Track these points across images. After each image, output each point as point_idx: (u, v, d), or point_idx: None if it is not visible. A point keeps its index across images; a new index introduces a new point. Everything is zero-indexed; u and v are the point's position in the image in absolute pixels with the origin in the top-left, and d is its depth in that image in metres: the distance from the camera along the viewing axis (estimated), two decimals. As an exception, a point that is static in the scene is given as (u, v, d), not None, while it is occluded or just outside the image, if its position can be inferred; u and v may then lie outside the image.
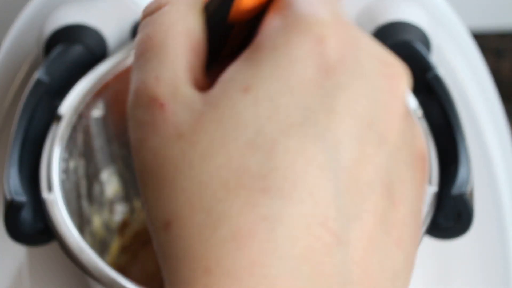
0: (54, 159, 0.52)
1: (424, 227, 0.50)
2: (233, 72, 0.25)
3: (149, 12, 0.28)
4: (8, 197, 0.49)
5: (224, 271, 0.23)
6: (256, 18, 0.27)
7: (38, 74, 0.56)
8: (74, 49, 0.60)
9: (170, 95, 0.25)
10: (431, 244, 0.56)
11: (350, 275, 0.24)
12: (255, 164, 0.23)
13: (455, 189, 0.50)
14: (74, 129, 0.55)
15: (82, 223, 0.56)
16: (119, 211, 0.63)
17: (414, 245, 0.26)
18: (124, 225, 0.64)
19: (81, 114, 0.56)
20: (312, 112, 0.24)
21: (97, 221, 0.60)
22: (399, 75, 0.26)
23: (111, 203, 0.62)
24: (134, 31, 0.64)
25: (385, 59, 0.26)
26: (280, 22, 0.25)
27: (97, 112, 0.58)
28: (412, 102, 0.57)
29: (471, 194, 0.51)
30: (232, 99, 0.24)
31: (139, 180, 0.26)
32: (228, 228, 0.23)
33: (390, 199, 0.25)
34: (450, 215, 0.51)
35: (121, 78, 0.59)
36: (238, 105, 0.24)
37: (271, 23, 0.26)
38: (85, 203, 0.57)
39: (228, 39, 0.28)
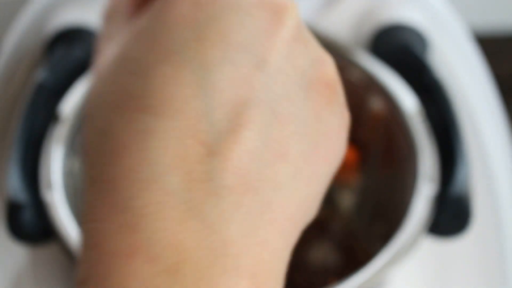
0: (55, 159, 0.52)
1: (423, 227, 0.50)
2: (136, 18, 0.29)
3: None
4: (9, 197, 0.49)
5: (108, 179, 0.27)
6: None
7: (40, 75, 0.56)
8: (75, 50, 0.60)
9: (103, 48, 0.30)
10: (430, 244, 0.56)
11: (224, 181, 0.26)
12: (134, 88, 0.27)
13: (454, 189, 0.50)
14: (74, 129, 0.55)
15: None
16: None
17: (309, 163, 0.28)
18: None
19: (81, 114, 0.56)
20: (186, 41, 0.27)
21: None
22: (282, 6, 0.29)
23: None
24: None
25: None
26: None
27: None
28: (412, 103, 0.57)
29: (469, 194, 0.51)
30: (123, 39, 0.29)
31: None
32: (111, 142, 0.27)
33: (272, 116, 0.27)
34: (449, 214, 0.51)
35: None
36: (126, 44, 0.28)
37: None
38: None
39: None
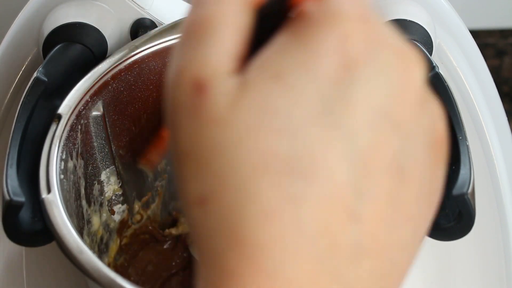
0: (53, 159, 0.52)
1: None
2: (266, 59, 0.27)
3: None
4: (7, 197, 0.48)
5: (255, 243, 0.26)
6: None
7: (37, 73, 0.56)
8: (74, 48, 0.60)
9: (212, 81, 0.27)
10: (432, 244, 0.55)
11: (362, 247, 0.27)
12: (281, 149, 0.26)
13: (457, 189, 0.50)
14: (73, 129, 0.55)
15: (81, 223, 0.56)
16: (118, 211, 0.63)
17: (425, 220, 0.29)
18: (123, 226, 0.64)
19: (80, 114, 0.56)
20: (332, 102, 0.27)
21: (96, 222, 0.60)
22: (413, 64, 0.29)
23: (110, 203, 0.62)
24: (133, 31, 0.64)
25: (401, 50, 0.29)
26: (312, 13, 0.28)
27: (96, 112, 0.58)
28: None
29: (472, 194, 0.50)
30: (263, 87, 0.27)
31: (174, 158, 0.28)
32: (256, 206, 0.26)
33: (400, 179, 0.28)
34: (451, 215, 0.51)
35: (120, 78, 0.59)
36: (269, 93, 0.27)
37: (304, 13, 0.28)
38: (84, 204, 0.57)
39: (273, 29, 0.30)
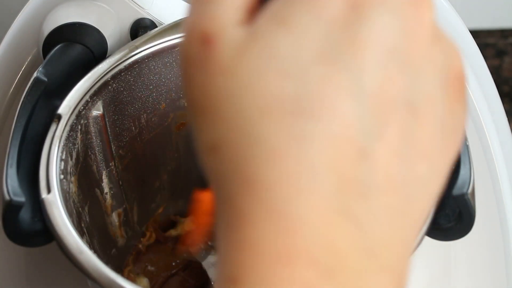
0: (53, 159, 0.52)
1: (425, 228, 0.50)
2: (273, 7, 0.28)
3: None
4: (7, 197, 0.48)
5: (264, 183, 0.27)
6: None
7: (37, 73, 0.56)
8: (74, 48, 0.60)
9: (220, 33, 0.28)
10: (433, 244, 0.55)
11: (374, 183, 0.27)
12: (287, 90, 0.27)
13: (457, 189, 0.50)
14: (73, 129, 0.55)
15: (80, 223, 0.56)
16: (118, 211, 0.63)
17: (445, 157, 0.29)
18: (122, 225, 0.64)
19: (80, 114, 0.56)
20: (339, 42, 0.27)
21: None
22: (424, 4, 0.29)
23: (110, 203, 0.62)
24: (133, 31, 0.64)
25: None
26: None
27: (96, 112, 0.58)
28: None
29: (472, 194, 0.50)
30: (268, 32, 0.27)
31: (189, 111, 0.29)
32: (266, 147, 0.27)
33: (413, 116, 0.28)
34: (451, 215, 0.51)
35: (120, 78, 0.59)
36: (273, 37, 0.27)
37: None
38: (83, 204, 0.57)
39: None
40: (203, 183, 0.38)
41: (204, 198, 0.40)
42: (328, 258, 0.26)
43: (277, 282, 0.26)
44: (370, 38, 0.27)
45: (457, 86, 0.30)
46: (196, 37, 0.28)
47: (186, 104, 0.30)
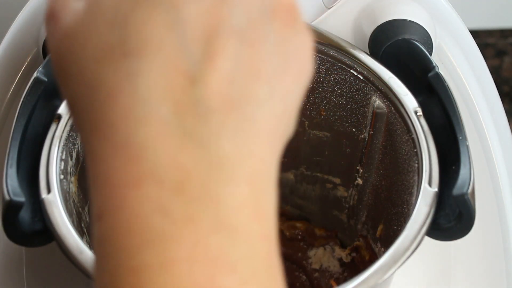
0: (53, 159, 0.52)
1: (425, 228, 0.50)
2: None
3: None
4: (7, 197, 0.48)
5: (106, 122, 0.30)
6: None
7: (37, 73, 0.56)
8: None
9: (62, 8, 0.32)
10: (433, 244, 0.55)
11: (210, 104, 0.30)
12: (114, 36, 0.30)
13: (457, 189, 0.50)
14: (73, 129, 0.55)
15: (80, 223, 0.56)
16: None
17: (283, 80, 0.32)
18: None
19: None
20: None
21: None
22: None
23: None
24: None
25: None
26: None
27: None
28: (412, 101, 0.56)
29: (472, 194, 0.50)
30: None
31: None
32: (104, 90, 0.30)
33: (241, 41, 0.31)
34: (451, 215, 0.51)
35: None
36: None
37: None
38: (83, 204, 0.57)
39: None
40: None
41: None
42: (174, 176, 0.29)
43: (132, 206, 0.29)
44: None
45: (286, 15, 0.32)
46: (47, 15, 0.33)
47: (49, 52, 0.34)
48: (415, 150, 0.54)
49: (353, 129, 0.63)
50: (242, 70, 0.30)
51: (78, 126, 0.32)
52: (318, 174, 0.68)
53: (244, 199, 0.30)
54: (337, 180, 0.67)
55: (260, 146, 0.31)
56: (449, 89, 0.56)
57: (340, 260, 0.70)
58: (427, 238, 0.51)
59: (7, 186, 0.49)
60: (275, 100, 0.31)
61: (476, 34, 1.24)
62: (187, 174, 0.29)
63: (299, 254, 0.70)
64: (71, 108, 0.32)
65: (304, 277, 0.70)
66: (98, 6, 0.31)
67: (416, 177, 0.53)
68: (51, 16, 0.32)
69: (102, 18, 0.31)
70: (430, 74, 0.57)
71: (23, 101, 0.55)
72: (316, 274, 0.70)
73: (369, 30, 0.63)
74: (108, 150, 0.30)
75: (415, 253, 0.50)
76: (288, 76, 0.32)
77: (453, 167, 0.52)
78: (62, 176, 0.52)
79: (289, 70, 0.32)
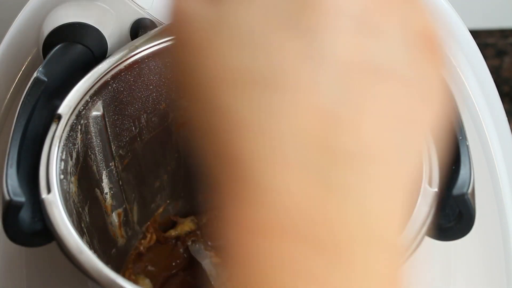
0: (53, 159, 0.52)
1: (425, 228, 0.50)
2: None
3: None
4: (7, 197, 0.48)
5: (238, 157, 0.26)
6: None
7: (37, 73, 0.56)
8: (74, 48, 0.60)
9: (189, 14, 0.28)
10: (433, 244, 0.55)
11: (347, 149, 0.26)
12: (246, 61, 0.26)
13: (457, 189, 0.50)
14: (73, 129, 0.55)
15: (80, 223, 0.56)
16: (118, 211, 0.63)
17: (423, 120, 0.28)
18: (122, 225, 0.64)
19: (80, 114, 0.56)
20: (296, 10, 0.27)
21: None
22: None
23: (110, 203, 0.62)
24: (133, 31, 0.64)
25: None
26: None
27: (96, 112, 0.58)
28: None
29: (472, 194, 0.50)
30: (227, 6, 0.27)
31: (183, 97, 0.29)
32: (231, 119, 0.26)
33: (382, 79, 0.27)
34: (451, 215, 0.51)
35: (120, 78, 0.59)
36: (232, 11, 0.27)
37: None
38: (83, 204, 0.57)
39: None
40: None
41: None
42: (316, 231, 0.25)
43: (267, 256, 0.26)
44: (327, 5, 0.27)
45: (429, 47, 0.29)
46: (171, 15, 0.29)
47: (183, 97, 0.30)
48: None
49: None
50: (380, 111, 0.27)
51: (193, 146, 0.28)
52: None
53: (388, 270, 0.26)
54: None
55: (400, 198, 0.27)
56: (449, 89, 0.56)
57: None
58: (427, 238, 0.51)
59: (7, 186, 0.49)
60: (416, 142, 0.28)
61: (476, 34, 1.24)
62: (330, 231, 0.26)
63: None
64: (182, 124, 0.28)
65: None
66: (232, 20, 0.27)
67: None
68: (177, 15, 0.29)
69: (235, 36, 0.27)
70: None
71: (23, 101, 0.55)
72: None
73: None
74: (238, 189, 0.26)
75: (415, 253, 0.50)
76: (430, 114, 0.29)
77: (453, 167, 0.52)
78: (62, 176, 0.52)
79: (433, 106, 0.29)
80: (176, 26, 0.29)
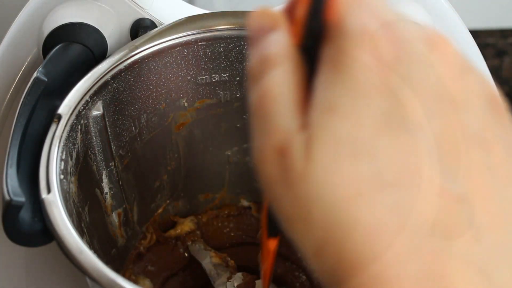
0: (53, 159, 0.52)
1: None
2: (317, 98, 0.29)
3: (254, 76, 0.31)
4: (7, 197, 0.48)
5: (371, 266, 0.27)
6: None
7: (37, 73, 0.56)
8: (74, 48, 0.60)
9: (288, 143, 0.29)
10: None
11: (479, 222, 0.27)
12: (365, 169, 0.27)
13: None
14: (73, 129, 0.55)
15: (80, 223, 0.56)
16: (118, 211, 0.63)
17: None
18: (122, 225, 0.64)
19: (80, 114, 0.56)
20: (388, 109, 0.28)
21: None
22: (442, 42, 0.30)
23: (110, 203, 0.62)
24: (133, 31, 0.64)
25: (426, 35, 0.30)
26: (336, 42, 0.30)
27: (96, 112, 0.58)
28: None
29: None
30: (325, 124, 0.28)
31: (283, 224, 0.30)
32: (361, 229, 0.27)
33: (483, 147, 0.29)
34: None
35: (120, 78, 0.59)
36: (331, 127, 0.28)
37: (329, 45, 0.30)
38: (83, 204, 0.57)
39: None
40: (273, 231, 0.38)
41: (272, 246, 0.40)
42: None
43: None
44: (413, 95, 0.28)
45: (498, 106, 0.30)
46: (266, 153, 0.29)
47: (280, 219, 0.30)
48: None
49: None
50: (494, 178, 0.29)
51: (325, 267, 0.29)
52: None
53: None
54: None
55: None
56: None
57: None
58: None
59: (7, 186, 0.49)
60: None
61: (476, 34, 1.24)
62: None
63: (299, 254, 0.70)
64: (316, 252, 0.29)
65: (304, 277, 0.70)
66: (332, 137, 0.28)
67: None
68: (278, 154, 0.29)
69: (342, 150, 0.28)
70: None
71: (23, 101, 0.55)
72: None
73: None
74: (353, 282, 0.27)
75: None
76: None
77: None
78: (62, 176, 0.52)
79: None
80: (278, 163, 0.29)
